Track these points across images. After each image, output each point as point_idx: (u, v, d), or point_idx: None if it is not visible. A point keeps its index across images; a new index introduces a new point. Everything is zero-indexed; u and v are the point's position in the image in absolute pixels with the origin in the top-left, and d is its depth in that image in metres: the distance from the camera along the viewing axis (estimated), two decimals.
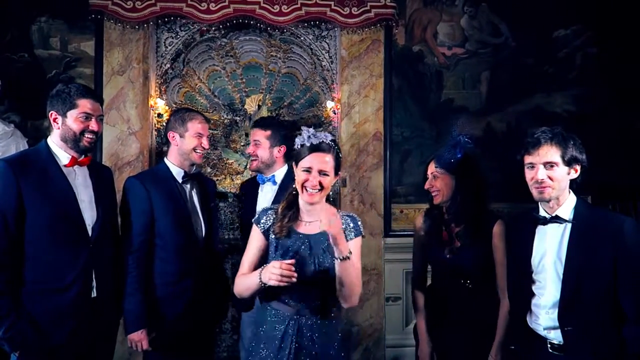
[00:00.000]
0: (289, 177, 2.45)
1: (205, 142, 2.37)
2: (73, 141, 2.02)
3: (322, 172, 1.80)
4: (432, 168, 2.21)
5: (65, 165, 2.03)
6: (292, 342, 1.80)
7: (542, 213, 1.91)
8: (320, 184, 1.80)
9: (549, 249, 1.87)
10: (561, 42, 3.66)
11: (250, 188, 2.78)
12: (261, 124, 2.74)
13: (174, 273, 2.26)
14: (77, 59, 3.40)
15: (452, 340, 2.16)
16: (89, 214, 2.06)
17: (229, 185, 3.60)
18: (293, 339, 1.80)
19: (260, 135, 2.65)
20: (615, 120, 3.61)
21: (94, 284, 2.04)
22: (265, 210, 1.94)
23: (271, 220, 1.89)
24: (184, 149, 2.33)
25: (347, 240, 1.82)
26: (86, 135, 2.03)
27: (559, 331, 1.81)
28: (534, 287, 1.90)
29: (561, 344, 1.81)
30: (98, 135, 2.10)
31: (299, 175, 1.83)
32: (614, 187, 3.45)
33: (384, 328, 3.39)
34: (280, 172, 2.67)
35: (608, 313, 1.78)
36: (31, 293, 1.93)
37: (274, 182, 2.63)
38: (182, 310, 2.27)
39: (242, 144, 3.65)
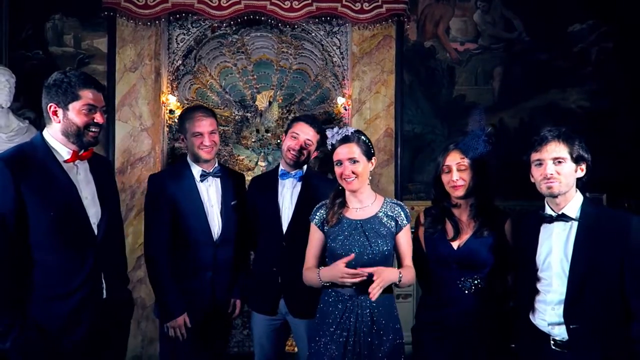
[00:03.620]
0: (309, 171, 2.50)
1: (206, 140, 2.28)
2: (76, 136, 1.84)
3: (352, 160, 1.98)
4: (456, 158, 2.09)
5: (65, 161, 1.85)
6: (351, 321, 1.94)
7: (548, 211, 1.91)
8: (353, 172, 1.98)
9: (555, 246, 1.87)
10: (576, 37, 3.60)
11: (267, 184, 2.56)
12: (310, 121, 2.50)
13: (190, 268, 2.30)
14: (90, 56, 3.44)
15: (446, 334, 2.12)
16: (94, 211, 1.91)
17: None
18: (352, 318, 1.95)
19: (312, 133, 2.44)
20: (631, 116, 3.54)
21: (104, 285, 1.91)
22: (318, 207, 2.11)
23: (323, 214, 2.07)
24: (191, 149, 2.35)
25: (401, 228, 2.08)
26: (91, 129, 1.85)
27: (563, 327, 1.80)
28: (538, 285, 1.90)
29: (564, 340, 1.80)
30: (102, 128, 1.92)
31: (336, 170, 2.02)
32: (630, 184, 3.39)
33: None
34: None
35: (615, 311, 1.77)
36: (39, 299, 1.79)
37: (298, 179, 2.47)
38: (199, 302, 2.30)
39: (253, 140, 3.66)
